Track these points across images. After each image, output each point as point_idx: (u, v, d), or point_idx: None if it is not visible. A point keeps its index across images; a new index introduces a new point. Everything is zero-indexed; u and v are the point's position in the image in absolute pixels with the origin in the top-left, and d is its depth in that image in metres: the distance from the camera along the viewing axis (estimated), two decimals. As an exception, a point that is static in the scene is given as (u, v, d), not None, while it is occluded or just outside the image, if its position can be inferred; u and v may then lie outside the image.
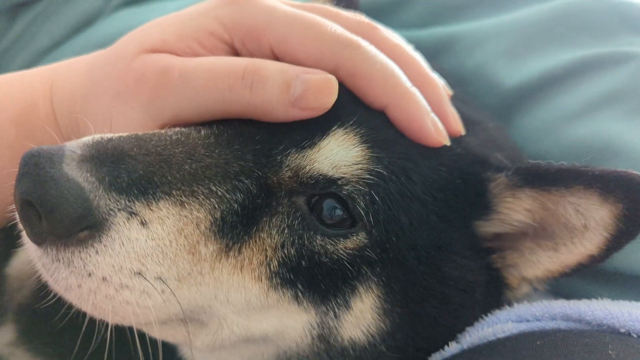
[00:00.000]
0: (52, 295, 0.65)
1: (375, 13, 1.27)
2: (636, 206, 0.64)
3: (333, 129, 0.68)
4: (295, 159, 0.67)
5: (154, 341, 0.72)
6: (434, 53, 1.16)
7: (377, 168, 0.66)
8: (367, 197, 0.66)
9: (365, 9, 1.22)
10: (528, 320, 0.70)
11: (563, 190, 0.68)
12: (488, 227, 0.74)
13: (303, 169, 0.67)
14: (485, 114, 0.94)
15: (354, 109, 0.69)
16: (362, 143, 0.67)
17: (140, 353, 0.70)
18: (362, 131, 0.67)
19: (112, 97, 0.73)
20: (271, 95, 0.66)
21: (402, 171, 0.67)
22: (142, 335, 0.69)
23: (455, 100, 0.82)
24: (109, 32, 1.48)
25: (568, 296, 0.81)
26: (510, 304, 0.77)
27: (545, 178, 0.69)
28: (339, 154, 0.66)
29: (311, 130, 0.68)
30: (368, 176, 0.66)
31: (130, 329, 0.66)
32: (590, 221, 0.68)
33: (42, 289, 0.87)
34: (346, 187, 0.66)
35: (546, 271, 0.74)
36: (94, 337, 0.67)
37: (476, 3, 1.23)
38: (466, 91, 1.01)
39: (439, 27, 1.22)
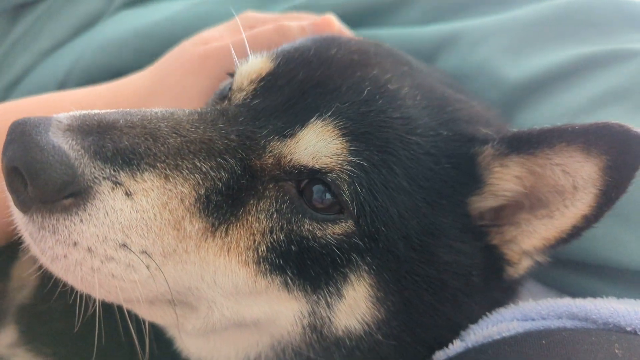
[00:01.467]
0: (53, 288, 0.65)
1: (379, 11, 1.27)
2: (619, 155, 0.63)
3: (312, 120, 0.68)
4: (278, 146, 0.68)
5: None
6: (437, 49, 1.16)
7: (358, 160, 0.66)
8: (352, 187, 0.65)
9: (369, 7, 1.22)
10: (533, 319, 0.69)
11: (547, 151, 0.67)
12: (482, 202, 0.73)
13: (284, 157, 0.67)
14: (479, 99, 0.93)
15: (331, 99, 0.69)
16: (341, 135, 0.67)
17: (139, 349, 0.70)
18: (341, 123, 0.67)
19: (181, 75, 0.99)
20: (296, 37, 0.94)
21: (383, 163, 0.66)
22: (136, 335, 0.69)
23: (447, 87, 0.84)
24: (111, 33, 1.49)
25: (573, 294, 0.81)
26: (513, 285, 0.78)
27: (529, 141, 0.68)
28: (317, 145, 0.67)
29: (292, 118, 0.69)
30: (349, 167, 0.66)
31: (123, 317, 0.66)
32: (578, 180, 0.67)
33: (42, 289, 0.88)
34: (330, 175, 0.66)
35: (543, 239, 0.72)
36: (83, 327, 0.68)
37: (479, 1, 1.22)
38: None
39: (442, 24, 1.21)
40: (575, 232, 0.70)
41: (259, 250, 0.67)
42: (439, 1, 1.25)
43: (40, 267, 0.65)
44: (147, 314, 0.71)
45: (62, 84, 1.44)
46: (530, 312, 0.70)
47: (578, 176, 0.66)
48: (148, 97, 1.01)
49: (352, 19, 1.17)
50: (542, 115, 1.00)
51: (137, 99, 1.01)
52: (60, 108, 0.87)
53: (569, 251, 0.84)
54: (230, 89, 0.78)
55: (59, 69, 1.47)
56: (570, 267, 0.93)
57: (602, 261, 0.88)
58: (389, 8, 1.27)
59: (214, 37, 1.05)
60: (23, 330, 0.98)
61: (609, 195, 0.66)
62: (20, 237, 0.65)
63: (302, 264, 0.68)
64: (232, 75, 0.82)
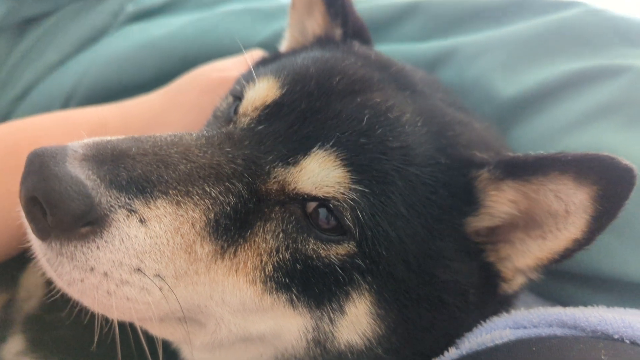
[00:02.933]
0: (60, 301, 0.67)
1: (379, 27, 1.31)
2: (609, 186, 0.65)
3: (314, 149, 0.70)
4: (282, 173, 0.70)
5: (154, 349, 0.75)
6: (433, 65, 1.18)
7: (359, 188, 0.68)
8: (354, 213, 0.68)
9: (369, 23, 1.25)
10: (525, 327, 0.71)
11: (541, 178, 0.70)
12: (479, 222, 0.76)
13: (288, 184, 0.70)
14: (478, 117, 0.96)
15: (332, 127, 0.72)
16: (342, 165, 0.69)
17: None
18: (343, 154, 0.69)
19: (197, 94, 1.09)
20: None
21: (383, 192, 0.69)
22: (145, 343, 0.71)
23: (449, 106, 0.86)
24: (116, 47, 1.52)
25: (565, 303, 0.83)
26: (508, 299, 0.80)
27: (524, 168, 0.71)
28: (320, 175, 0.69)
29: (295, 145, 0.71)
30: (351, 195, 0.68)
31: (133, 329, 0.68)
32: (570, 205, 0.69)
33: (49, 299, 0.90)
34: (332, 202, 0.69)
35: (537, 259, 0.75)
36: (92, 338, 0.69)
37: (475, 17, 1.25)
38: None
39: (439, 40, 1.24)
40: (568, 253, 0.73)
41: (266, 270, 0.69)
42: (436, 18, 1.29)
43: (49, 280, 0.67)
44: (158, 331, 0.74)
45: (69, 97, 1.47)
46: (522, 321, 0.72)
47: (570, 202, 0.69)
48: (161, 114, 1.07)
49: None
50: (536, 130, 1.02)
51: (151, 115, 1.06)
52: (75, 127, 0.90)
53: (565, 262, 0.86)
54: (235, 112, 0.81)
55: (65, 82, 1.50)
56: (563, 277, 0.95)
57: (594, 272, 0.90)
58: (387, 25, 1.30)
59: (228, 67, 1.15)
60: (30, 339, 1.00)
61: (600, 221, 0.68)
62: (27, 248, 0.67)
63: (306, 282, 0.70)
64: (234, 96, 0.85)
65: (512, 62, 1.11)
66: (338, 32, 0.99)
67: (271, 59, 1.01)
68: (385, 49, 1.22)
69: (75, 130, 0.82)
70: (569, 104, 1.01)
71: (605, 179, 0.65)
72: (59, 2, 1.73)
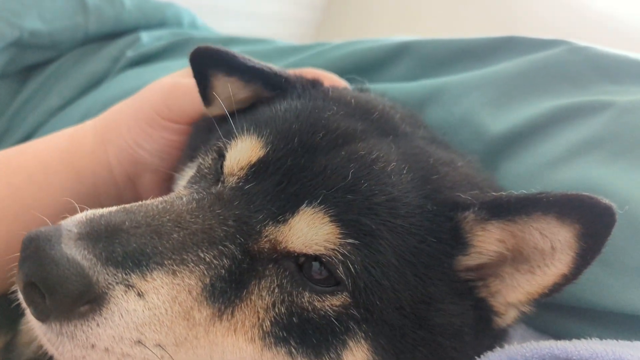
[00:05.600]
0: None
1: (370, 68, 1.35)
2: (591, 224, 0.67)
3: (302, 207, 0.71)
4: (273, 232, 0.71)
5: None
6: (422, 102, 1.22)
7: (348, 242, 0.69)
8: (345, 265, 0.69)
9: (361, 64, 1.29)
10: (518, 361, 0.72)
11: (525, 218, 0.71)
12: (469, 260, 0.77)
13: (280, 243, 0.71)
14: (463, 154, 0.98)
15: (318, 184, 0.73)
16: (331, 222, 0.70)
17: None
18: (331, 211, 0.70)
19: (150, 92, 1.12)
20: None
21: (372, 245, 0.70)
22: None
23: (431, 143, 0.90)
24: (116, 92, 1.56)
25: (562, 336, 0.84)
26: (502, 333, 0.82)
27: (508, 209, 0.72)
28: (309, 234, 0.70)
29: (284, 203, 0.72)
30: (341, 250, 0.69)
31: None
32: (555, 243, 0.71)
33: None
34: (324, 257, 0.70)
35: (527, 294, 0.76)
36: None
37: (462, 57, 1.30)
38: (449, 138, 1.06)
39: (428, 79, 1.28)
40: (557, 288, 0.74)
41: (264, 326, 0.70)
42: (425, 58, 1.33)
43: None
44: None
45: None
46: (516, 355, 0.73)
47: (555, 240, 0.70)
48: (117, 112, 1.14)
49: (342, 77, 1.23)
50: (524, 164, 1.05)
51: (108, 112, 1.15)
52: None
53: (557, 295, 0.88)
54: (222, 171, 0.81)
55: (67, 125, 1.52)
56: (560, 311, 0.96)
57: (589, 305, 0.91)
58: (378, 66, 1.35)
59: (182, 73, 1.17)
60: (31, 383, 1.01)
61: (584, 257, 0.70)
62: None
63: (304, 334, 0.71)
64: (217, 151, 0.85)
65: (499, 99, 1.14)
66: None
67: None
68: (376, 88, 1.26)
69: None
70: (555, 139, 1.04)
71: (587, 218, 0.67)
72: (60, 49, 1.79)
